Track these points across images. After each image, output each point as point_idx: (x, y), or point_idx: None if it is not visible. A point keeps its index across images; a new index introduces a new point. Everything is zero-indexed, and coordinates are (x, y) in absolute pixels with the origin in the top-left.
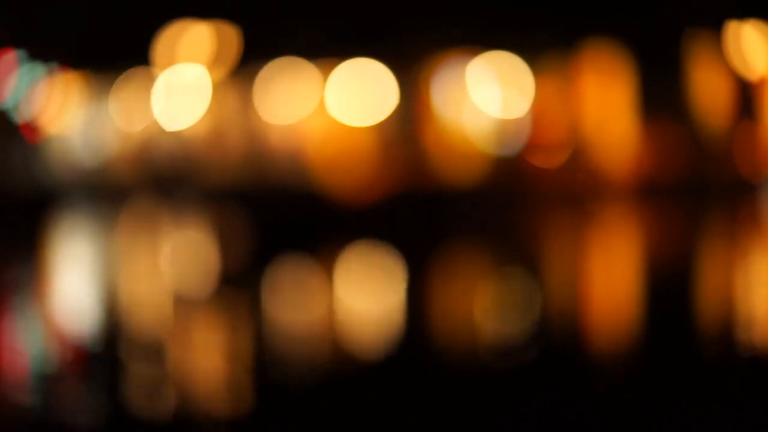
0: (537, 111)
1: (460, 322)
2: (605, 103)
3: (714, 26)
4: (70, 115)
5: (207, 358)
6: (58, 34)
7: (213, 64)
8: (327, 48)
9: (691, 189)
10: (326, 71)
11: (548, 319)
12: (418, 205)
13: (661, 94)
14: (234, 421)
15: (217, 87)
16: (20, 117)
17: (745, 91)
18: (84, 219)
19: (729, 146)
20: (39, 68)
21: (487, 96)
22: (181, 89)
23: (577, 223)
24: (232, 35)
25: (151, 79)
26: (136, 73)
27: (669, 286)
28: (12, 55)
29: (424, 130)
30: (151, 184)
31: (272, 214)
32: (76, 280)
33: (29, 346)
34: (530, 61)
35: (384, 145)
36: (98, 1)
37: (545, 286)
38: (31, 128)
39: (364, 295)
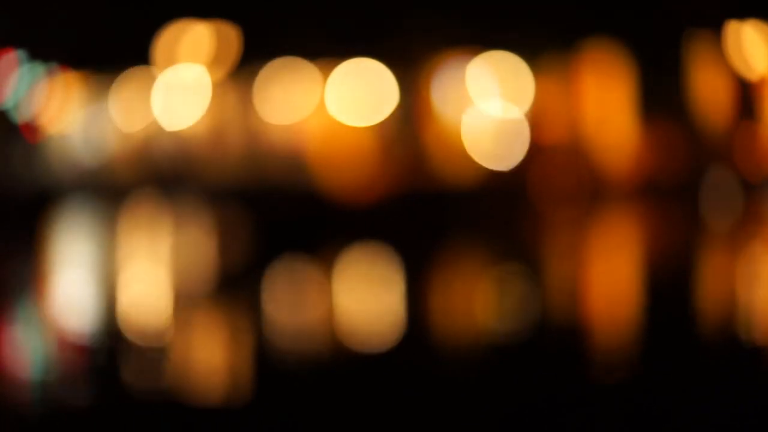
0: (537, 111)
1: (460, 321)
2: (605, 103)
3: (714, 26)
4: (70, 115)
5: (206, 358)
6: (58, 34)
7: (213, 64)
8: (327, 48)
9: (691, 189)
10: (326, 71)
11: (548, 319)
12: (418, 205)
13: (661, 94)
14: (233, 420)
15: (217, 87)
16: (20, 117)
17: (745, 91)
18: (84, 219)
19: (729, 146)
20: (39, 68)
21: (487, 96)
22: (181, 89)
23: (577, 223)
24: (232, 35)
25: (151, 79)
26: (136, 73)
27: (669, 286)
28: (12, 55)
29: (424, 130)
30: (151, 184)
31: (272, 214)
32: (76, 280)
33: (29, 345)
34: (530, 61)
35: (384, 145)
36: (98, 1)
37: (545, 286)
38: (31, 128)
39: (364, 295)
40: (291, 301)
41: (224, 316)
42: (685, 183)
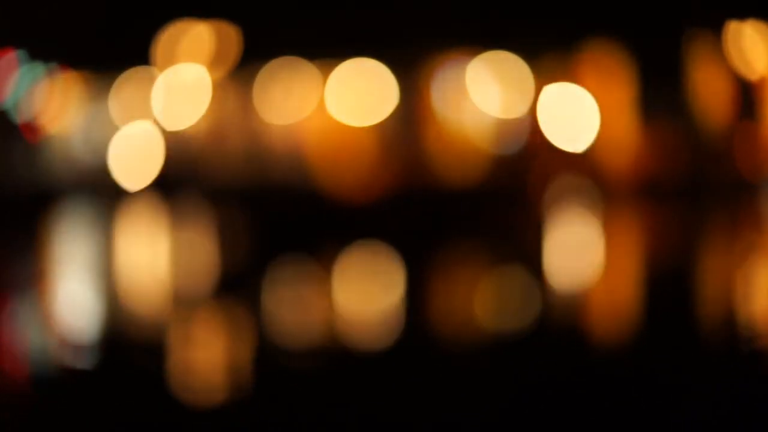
0: (537, 111)
1: (459, 321)
2: (605, 103)
3: (714, 26)
4: (70, 115)
5: (207, 358)
6: (58, 34)
7: (213, 64)
8: (327, 48)
9: (691, 189)
10: (326, 71)
11: (548, 319)
12: (418, 205)
13: (661, 95)
14: (233, 419)
15: (217, 87)
16: (20, 117)
17: (745, 91)
18: (84, 219)
19: (729, 146)
20: (39, 68)
21: (487, 96)
22: (181, 89)
23: (578, 223)
24: (232, 35)
25: (151, 79)
26: (136, 73)
27: (669, 286)
28: (12, 55)
29: (424, 130)
30: (151, 184)
31: (272, 213)
32: (76, 280)
33: (29, 345)
34: (530, 61)
35: (384, 145)
36: (98, 1)
37: (545, 286)
38: (31, 128)
39: (364, 295)
40: (291, 301)
41: (224, 315)
42: (685, 183)
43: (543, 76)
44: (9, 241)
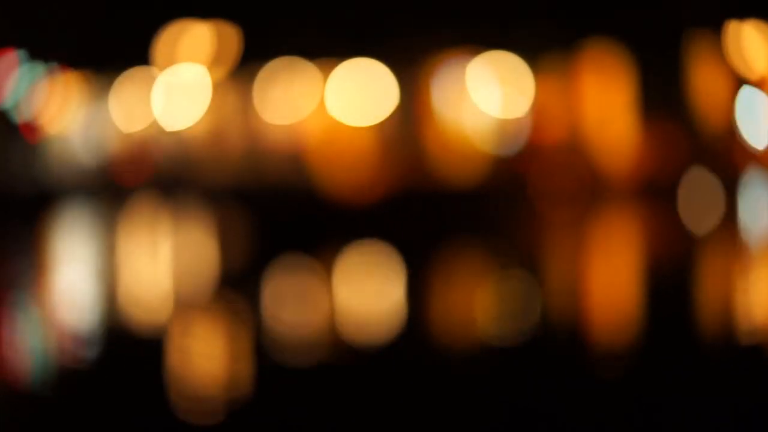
0: (537, 111)
1: (459, 322)
2: (605, 103)
3: (714, 26)
4: (70, 115)
5: (206, 358)
6: (58, 34)
7: (213, 64)
8: (327, 48)
9: (690, 189)
10: (326, 71)
11: (548, 320)
12: (418, 205)
13: (661, 94)
14: (233, 419)
15: (217, 87)
16: (20, 117)
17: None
18: (84, 219)
19: (729, 146)
20: (39, 68)
21: (487, 96)
22: (181, 89)
23: (577, 223)
24: (232, 35)
25: (151, 79)
26: (136, 73)
27: (669, 286)
28: (12, 55)
29: (424, 130)
30: (151, 184)
31: (272, 213)
32: (76, 280)
33: (29, 346)
34: (530, 61)
35: (384, 145)
36: (98, 1)
37: (545, 287)
38: (31, 128)
39: (364, 295)
40: (291, 301)
41: (224, 315)
42: (684, 183)
43: (543, 76)
44: (9, 240)
